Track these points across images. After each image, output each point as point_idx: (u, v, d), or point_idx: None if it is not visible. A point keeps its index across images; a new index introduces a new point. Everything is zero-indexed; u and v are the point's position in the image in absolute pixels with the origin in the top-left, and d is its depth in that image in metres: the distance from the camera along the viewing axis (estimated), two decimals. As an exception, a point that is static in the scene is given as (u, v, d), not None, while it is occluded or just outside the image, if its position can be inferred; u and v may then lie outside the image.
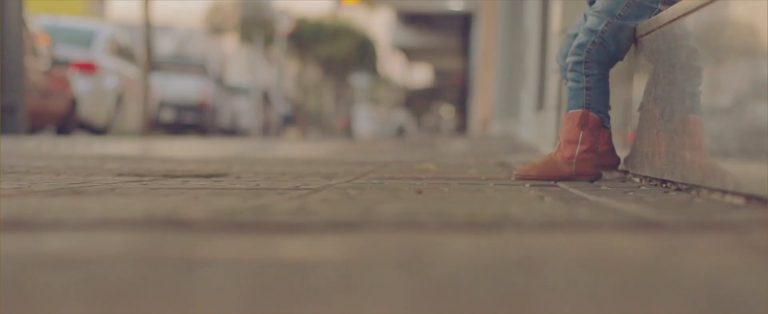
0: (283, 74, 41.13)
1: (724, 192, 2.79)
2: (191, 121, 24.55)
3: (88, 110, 16.19)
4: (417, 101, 66.49)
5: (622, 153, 4.14)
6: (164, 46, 62.96)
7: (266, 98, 34.44)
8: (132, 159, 5.95)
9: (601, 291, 1.31)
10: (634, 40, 3.93)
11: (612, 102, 3.99)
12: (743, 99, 2.66)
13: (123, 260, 1.57)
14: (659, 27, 3.58)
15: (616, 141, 4.10)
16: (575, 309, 1.18)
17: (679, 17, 3.32)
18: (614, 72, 4.01)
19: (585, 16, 4.02)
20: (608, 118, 3.94)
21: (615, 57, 3.92)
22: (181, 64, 25.99)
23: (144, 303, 1.20)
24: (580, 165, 3.87)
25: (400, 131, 55.16)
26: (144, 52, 21.25)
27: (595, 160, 3.89)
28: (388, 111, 66.66)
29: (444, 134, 34.48)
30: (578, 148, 3.87)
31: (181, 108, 24.49)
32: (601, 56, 3.87)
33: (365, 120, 52.86)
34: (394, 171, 4.70)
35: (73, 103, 15.59)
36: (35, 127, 14.56)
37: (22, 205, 2.52)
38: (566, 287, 1.33)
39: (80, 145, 9.06)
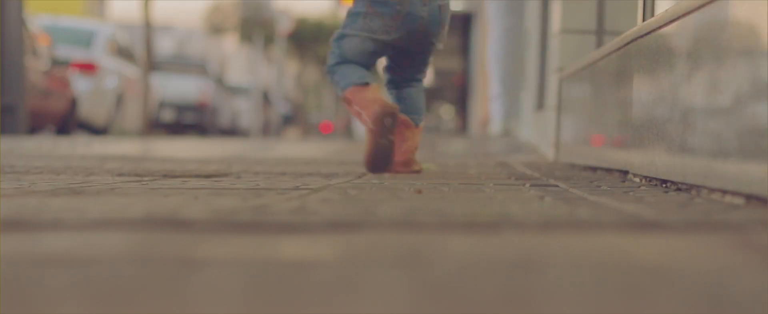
0: (283, 74, 41.11)
1: (724, 192, 2.79)
2: (191, 121, 24.55)
3: (88, 110, 16.20)
4: None
5: (622, 153, 4.14)
6: (164, 46, 62.94)
7: (266, 98, 34.45)
8: (132, 160, 5.95)
9: (601, 291, 1.31)
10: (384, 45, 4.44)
11: (612, 102, 3.99)
12: (743, 99, 2.66)
13: (123, 260, 1.57)
14: (659, 27, 3.59)
15: (618, 141, 4.09)
16: (575, 309, 1.18)
17: (679, 17, 3.32)
18: (614, 72, 4.02)
19: None
20: (356, 81, 4.41)
21: (346, 59, 4.47)
22: (181, 64, 26.00)
23: (144, 303, 1.20)
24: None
25: None
26: (144, 52, 21.25)
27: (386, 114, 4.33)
28: None
29: (444, 134, 34.47)
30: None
31: (181, 108, 24.50)
32: (331, 60, 4.52)
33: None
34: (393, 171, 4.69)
35: (73, 103, 15.60)
36: (35, 127, 14.55)
37: (21, 205, 2.52)
38: (566, 287, 1.33)
39: (80, 145, 9.06)
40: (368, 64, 4.54)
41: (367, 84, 4.39)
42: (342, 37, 4.50)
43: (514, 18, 15.63)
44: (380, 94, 4.40)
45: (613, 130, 4.47)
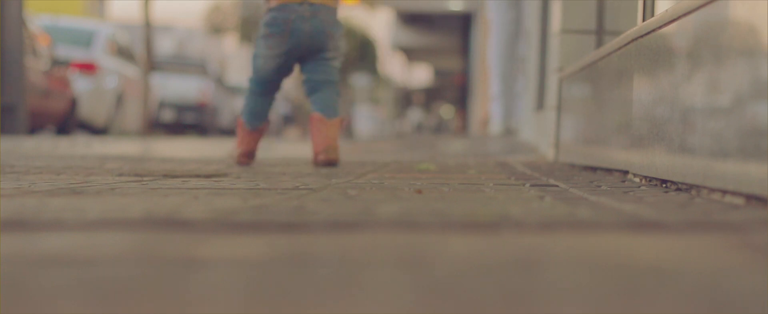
0: (283, 74, 41.00)
1: (724, 192, 2.79)
2: (191, 121, 24.54)
3: (88, 110, 16.20)
4: (422, 101, 66.74)
5: (622, 153, 4.14)
6: (164, 46, 62.97)
7: (266, 98, 34.35)
8: (132, 160, 5.95)
9: (601, 291, 1.31)
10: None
11: (612, 102, 3.99)
12: (743, 99, 2.66)
13: (123, 260, 1.57)
14: (659, 27, 3.58)
15: (618, 141, 4.09)
16: (575, 309, 1.18)
17: (679, 17, 3.32)
18: (615, 72, 4.02)
19: None
20: (249, 123, 5.73)
21: (259, 79, 5.68)
22: (181, 64, 25.98)
23: (144, 303, 1.20)
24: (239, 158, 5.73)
25: (420, 127, 58.19)
26: (144, 52, 21.24)
27: (247, 154, 5.73)
28: (400, 110, 66.90)
29: (444, 134, 34.47)
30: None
31: (181, 108, 24.49)
32: (250, 76, 5.74)
33: (365, 120, 52.83)
34: (394, 171, 4.70)
35: (73, 103, 15.60)
36: (35, 127, 14.56)
37: (21, 205, 2.52)
38: (566, 287, 1.33)
39: (80, 145, 9.06)
40: (273, 83, 5.73)
41: (254, 129, 5.73)
42: (256, 57, 5.74)
43: (516, 17, 15.61)
44: (254, 140, 5.72)
45: (613, 130, 4.47)
